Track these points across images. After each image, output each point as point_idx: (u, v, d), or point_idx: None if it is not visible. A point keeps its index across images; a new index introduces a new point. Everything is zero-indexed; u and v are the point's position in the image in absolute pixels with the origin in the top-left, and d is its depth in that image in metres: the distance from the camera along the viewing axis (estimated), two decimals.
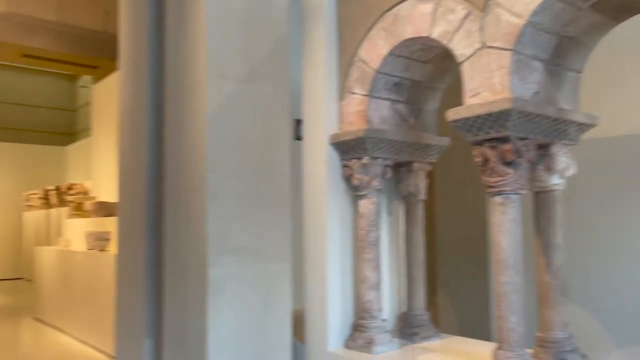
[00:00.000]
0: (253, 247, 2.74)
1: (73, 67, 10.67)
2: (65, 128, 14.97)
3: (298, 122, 3.60)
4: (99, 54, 9.72)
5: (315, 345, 2.98)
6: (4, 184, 13.54)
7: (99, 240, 6.00)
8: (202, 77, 2.69)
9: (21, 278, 13.16)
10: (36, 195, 12.49)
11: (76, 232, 7.54)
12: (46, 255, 7.35)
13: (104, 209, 6.95)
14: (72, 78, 15.07)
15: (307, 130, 3.15)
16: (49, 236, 11.53)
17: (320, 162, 3.01)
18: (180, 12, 2.92)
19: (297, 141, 3.52)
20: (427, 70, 3.02)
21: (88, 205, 7.14)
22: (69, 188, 10.95)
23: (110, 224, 6.53)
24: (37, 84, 14.56)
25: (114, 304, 4.73)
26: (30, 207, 12.92)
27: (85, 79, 13.55)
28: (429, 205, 3.44)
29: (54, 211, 11.56)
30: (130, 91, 3.41)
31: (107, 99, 9.28)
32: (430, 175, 3.26)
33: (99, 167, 9.29)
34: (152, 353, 3.05)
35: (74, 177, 13.38)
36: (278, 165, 2.86)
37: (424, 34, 2.60)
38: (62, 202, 11.30)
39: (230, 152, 2.69)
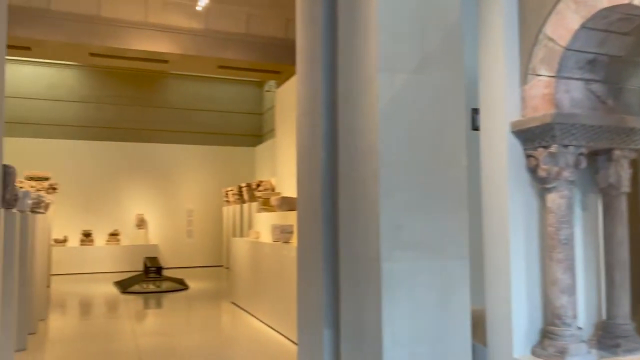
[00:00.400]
0: (428, 242, 2.65)
1: (259, 74, 11.64)
2: (254, 130, 16.40)
3: (474, 111, 3.39)
4: (281, 61, 10.44)
5: (498, 349, 2.78)
6: (207, 182, 15.35)
7: (283, 233, 6.43)
8: (373, 72, 2.67)
9: (220, 265, 14.81)
10: (231, 192, 13.93)
11: (264, 225, 8.19)
12: (239, 246, 8.13)
13: (287, 204, 7.42)
14: (259, 84, 16.45)
15: (484, 119, 2.95)
16: (242, 229, 12.76)
17: (500, 153, 2.80)
18: (352, 9, 2.94)
19: (474, 131, 3.32)
20: (628, 43, 2.60)
21: (273, 200, 7.71)
22: (258, 185, 11.95)
23: (292, 218, 6.95)
24: (229, 92, 16.21)
25: (295, 294, 5.05)
26: (227, 202, 14.45)
27: (270, 84, 14.66)
28: (633, 198, 2.97)
29: (245, 206, 12.76)
30: (306, 92, 3.55)
31: (289, 102, 9.93)
32: (634, 164, 2.81)
33: (283, 165, 9.98)
34: (331, 343, 3.14)
35: (261, 174, 14.63)
36: (454, 157, 2.72)
37: (624, 1, 2.24)
38: (252, 198, 12.40)
39: (403, 145, 2.63)
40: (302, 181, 3.64)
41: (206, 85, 15.88)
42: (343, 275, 2.96)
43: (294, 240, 6.43)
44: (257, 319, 7.01)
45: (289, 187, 8.94)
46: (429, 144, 2.68)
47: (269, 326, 6.56)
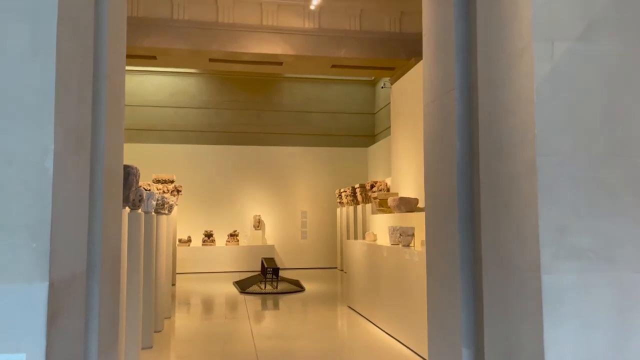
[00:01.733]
0: (601, 251, 2.13)
1: (373, 71, 11.32)
2: (367, 130, 16.13)
3: None
4: (395, 56, 10.03)
5: None
6: (320, 183, 15.35)
7: (403, 236, 6.03)
8: (524, 43, 2.22)
9: (334, 267, 14.69)
10: (345, 193, 13.75)
11: (381, 227, 7.83)
12: (355, 249, 7.85)
13: (406, 205, 7.01)
14: (371, 83, 16.16)
15: None
16: (356, 230, 12.51)
17: None
18: None
19: None
20: None
21: (390, 201, 7.33)
22: (372, 185, 11.63)
23: (413, 220, 6.52)
24: (341, 93, 16.09)
25: (419, 302, 4.66)
26: (341, 204, 14.30)
27: (384, 80, 14.29)
28: None
29: (359, 207, 12.49)
30: (435, 76, 3.15)
31: (405, 98, 9.51)
32: None
33: (399, 164, 9.56)
34: None
35: (375, 175, 14.29)
36: (634, 145, 2.17)
37: None
38: (366, 199, 12.10)
39: (567, 130, 2.14)
40: (431, 177, 3.23)
41: (318, 87, 15.91)
42: (487, 287, 2.52)
43: (415, 243, 6.00)
44: (375, 325, 6.68)
45: (406, 187, 8.52)
46: (600, 128, 2.16)
47: (387, 333, 6.19)
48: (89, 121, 2.27)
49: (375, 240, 7.47)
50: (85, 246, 2.20)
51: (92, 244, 2.44)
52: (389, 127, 14.18)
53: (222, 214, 14.79)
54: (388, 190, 11.66)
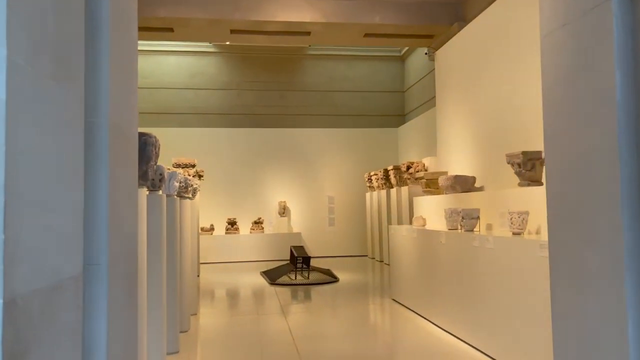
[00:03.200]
0: None
1: (409, 39, 10.36)
2: (396, 110, 15.18)
3: None
4: (435, 21, 9.07)
5: None
6: (347, 166, 14.49)
7: (466, 219, 5.16)
8: None
9: (365, 255, 13.88)
10: (375, 176, 12.87)
11: (429, 210, 6.96)
12: (401, 235, 7.00)
13: (462, 184, 6.13)
14: (399, 59, 15.17)
15: None
16: (389, 215, 11.64)
17: None
18: None
19: None
20: None
21: (442, 180, 6.45)
22: (408, 167, 10.74)
23: (473, 200, 5.64)
24: (368, 70, 15.14)
25: (492, 295, 3.79)
26: (371, 188, 13.43)
27: (427, 50, 13.30)
28: None
29: (393, 191, 11.62)
30: None
31: (453, 66, 8.56)
32: None
33: (447, 139, 8.62)
34: None
35: (406, 157, 13.38)
36: None
37: None
38: (401, 181, 11.22)
39: None
40: (558, 131, 2.34)
41: (343, 65, 14.98)
42: None
43: (480, 227, 5.14)
44: (430, 321, 5.84)
45: (456, 166, 7.63)
46: None
47: (447, 332, 5.35)
48: (80, 42, 1.44)
49: (424, 225, 6.62)
50: (81, 237, 1.39)
51: (94, 233, 1.64)
52: (423, 104, 13.23)
53: (245, 200, 14.04)
54: (426, 171, 10.76)
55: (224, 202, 13.91)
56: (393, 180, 11.43)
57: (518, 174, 4.88)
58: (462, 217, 5.19)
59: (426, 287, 5.97)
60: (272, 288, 8.86)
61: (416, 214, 7.38)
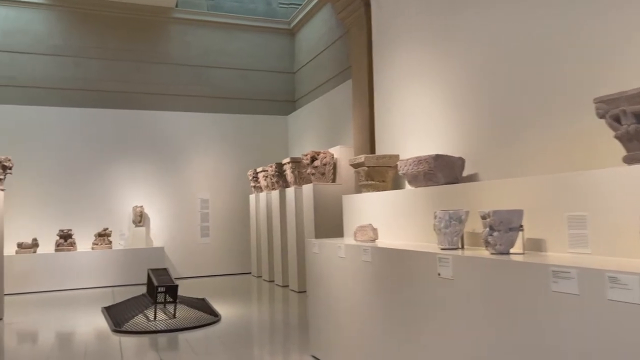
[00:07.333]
0: None
1: None
2: (285, 94, 12.53)
3: None
4: None
5: None
6: (225, 162, 11.52)
7: (501, 231, 2.62)
8: None
9: (248, 273, 11.02)
10: (264, 173, 10.09)
11: (371, 215, 4.35)
12: (330, 256, 4.27)
13: (446, 170, 3.61)
14: (289, 32, 12.57)
15: None
16: (289, 222, 8.91)
17: None
18: None
19: None
20: None
21: (405, 166, 3.89)
22: (313, 158, 8.18)
23: (470, 195, 3.13)
24: (252, 44, 12.32)
25: None
26: (257, 188, 10.62)
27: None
28: None
29: (289, 190, 8.91)
30: None
31: (391, 11, 6.02)
32: None
33: (389, 113, 6.01)
34: None
35: (298, 150, 10.78)
36: None
37: None
38: (301, 180, 8.62)
39: None
40: None
41: (221, 36, 11.98)
42: None
43: (522, 245, 2.60)
44: None
45: (409, 148, 5.06)
46: None
47: None
48: None
49: (374, 239, 3.98)
50: None
51: None
52: (320, 86, 10.72)
53: (85, 205, 10.38)
54: (334, 164, 8.23)
55: (53, 207, 10.13)
56: (290, 177, 8.73)
57: (625, 137, 2.38)
58: (491, 227, 2.63)
59: (388, 346, 3.32)
60: (117, 338, 5.66)
61: (349, 219, 4.74)
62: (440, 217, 3.04)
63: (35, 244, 9.60)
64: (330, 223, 7.66)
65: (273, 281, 9.66)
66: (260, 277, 10.39)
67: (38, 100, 10.34)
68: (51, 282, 9.38)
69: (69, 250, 9.72)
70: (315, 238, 7.35)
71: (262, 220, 10.14)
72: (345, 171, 8.03)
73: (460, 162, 3.89)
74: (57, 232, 9.79)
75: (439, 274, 2.84)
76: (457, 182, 3.75)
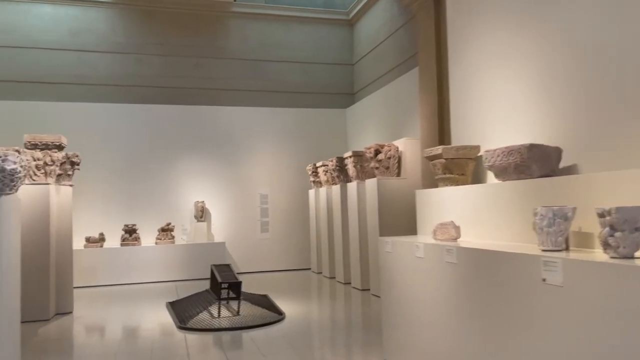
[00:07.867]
0: None
1: None
2: (344, 87, 12.25)
3: None
4: None
5: None
6: (284, 157, 11.39)
7: (625, 231, 2.24)
8: None
9: (308, 269, 10.84)
10: (324, 168, 9.86)
11: (453, 211, 4.01)
12: (407, 256, 3.98)
13: (542, 161, 3.25)
14: (348, 23, 12.27)
15: None
16: (350, 218, 8.65)
17: None
18: None
19: None
20: None
21: (493, 157, 3.53)
22: (377, 151, 7.87)
23: (575, 190, 2.73)
24: (309, 37, 12.11)
25: None
26: (317, 183, 10.41)
27: None
28: None
29: (352, 185, 8.65)
30: None
31: None
32: None
33: (466, 102, 5.62)
34: None
35: (356, 144, 10.48)
36: None
37: None
38: (363, 174, 8.31)
39: None
40: None
41: (278, 28, 11.84)
42: None
43: None
44: None
45: (489, 138, 4.67)
46: None
47: None
48: None
49: (457, 237, 3.65)
50: None
51: None
52: (379, 78, 10.38)
53: (149, 201, 10.51)
54: (399, 158, 7.89)
55: (119, 203, 10.31)
56: (352, 171, 8.46)
57: None
58: (612, 226, 2.25)
59: (475, 358, 3.00)
60: (182, 335, 5.59)
61: (424, 216, 4.42)
62: (542, 215, 2.68)
63: (102, 239, 9.80)
64: (395, 219, 7.33)
65: (334, 278, 9.44)
66: (321, 273, 10.19)
67: (103, 98, 10.54)
68: (117, 276, 9.53)
69: (133, 244, 9.86)
70: (379, 235, 7.05)
71: (322, 216, 9.93)
72: (411, 164, 7.66)
73: (557, 152, 3.49)
74: (122, 226, 9.95)
75: (544, 280, 2.49)
76: (554, 175, 3.36)
